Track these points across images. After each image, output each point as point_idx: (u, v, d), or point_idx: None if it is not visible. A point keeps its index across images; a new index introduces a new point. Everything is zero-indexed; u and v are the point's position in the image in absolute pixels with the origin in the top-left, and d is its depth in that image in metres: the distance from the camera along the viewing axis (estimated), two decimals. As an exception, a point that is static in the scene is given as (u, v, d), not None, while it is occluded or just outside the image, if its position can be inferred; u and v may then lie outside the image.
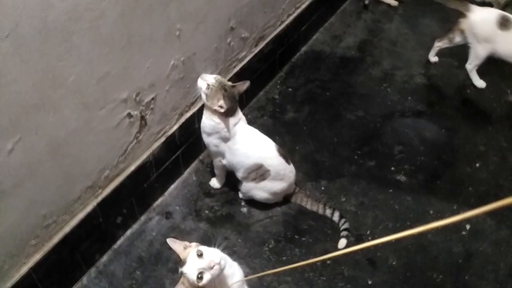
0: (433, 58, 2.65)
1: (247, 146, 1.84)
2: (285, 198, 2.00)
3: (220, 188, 2.07)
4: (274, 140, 1.91)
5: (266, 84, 2.55)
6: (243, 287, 1.45)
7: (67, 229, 1.64)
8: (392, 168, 2.15)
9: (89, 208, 1.70)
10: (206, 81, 1.73)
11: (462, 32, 2.40)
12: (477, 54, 2.38)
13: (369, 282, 1.76)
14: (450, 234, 1.89)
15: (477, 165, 2.16)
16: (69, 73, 1.41)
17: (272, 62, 2.54)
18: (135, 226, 1.94)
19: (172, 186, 2.08)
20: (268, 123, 2.36)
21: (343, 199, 2.03)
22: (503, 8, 2.71)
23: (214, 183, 2.07)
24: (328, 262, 1.81)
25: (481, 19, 2.33)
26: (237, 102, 1.80)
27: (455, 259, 1.83)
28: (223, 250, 1.33)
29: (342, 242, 1.84)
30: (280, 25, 2.49)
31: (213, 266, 1.24)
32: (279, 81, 2.59)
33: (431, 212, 1.96)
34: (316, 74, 2.64)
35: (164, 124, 1.93)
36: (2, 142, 1.30)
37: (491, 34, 2.29)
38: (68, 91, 1.43)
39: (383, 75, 2.63)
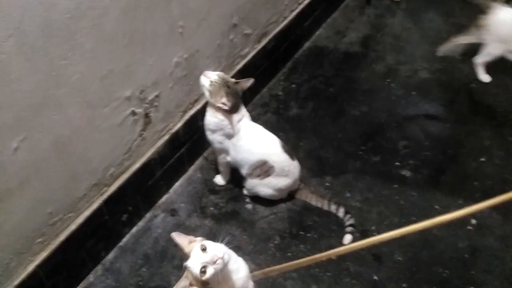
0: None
1: (251, 142, 1.84)
2: (290, 195, 2.00)
3: (225, 185, 2.07)
4: (278, 136, 1.91)
5: (269, 80, 2.55)
6: (248, 283, 1.45)
7: (73, 226, 1.65)
8: (397, 163, 2.14)
9: (94, 206, 1.70)
10: (209, 78, 1.73)
11: (479, 28, 2.35)
12: (490, 52, 2.35)
13: (375, 278, 1.76)
14: (455, 229, 1.88)
15: (482, 159, 2.15)
16: (73, 71, 1.41)
17: (275, 59, 2.54)
18: (141, 224, 1.95)
19: (177, 183, 2.09)
20: (272, 119, 2.35)
21: (348, 195, 2.02)
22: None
23: (219, 180, 2.08)
24: (334, 257, 1.81)
25: (503, 19, 2.28)
26: (241, 99, 1.80)
27: (461, 254, 1.82)
28: (228, 246, 1.34)
29: (348, 238, 1.84)
30: (283, 21, 2.49)
31: (216, 260, 1.24)
32: (282, 78, 2.59)
33: (436, 207, 1.96)
34: (319, 70, 2.63)
35: (168, 121, 1.93)
36: (7, 141, 1.31)
37: (510, 36, 2.27)
38: (72, 89, 1.43)
39: (387, 70, 2.62)
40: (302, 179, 2.01)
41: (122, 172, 1.80)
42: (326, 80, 2.57)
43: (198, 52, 1.93)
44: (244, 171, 1.91)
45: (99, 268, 1.81)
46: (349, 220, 1.88)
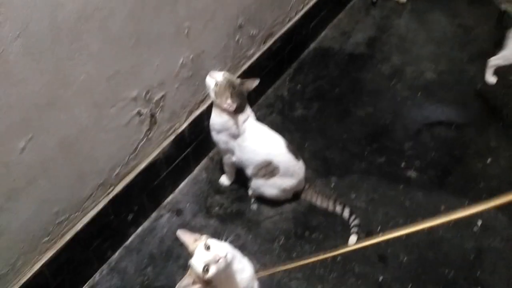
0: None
1: (257, 143, 1.85)
2: (295, 195, 2.00)
3: (230, 185, 2.08)
4: (283, 137, 1.91)
5: (274, 81, 2.55)
6: (253, 283, 1.45)
7: (79, 226, 1.65)
8: (403, 164, 2.14)
9: (100, 206, 1.71)
10: (215, 78, 1.74)
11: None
12: (508, 57, 2.33)
13: (380, 279, 1.76)
14: (461, 230, 1.88)
15: (489, 160, 2.14)
16: (80, 72, 1.42)
17: (281, 59, 2.54)
18: (146, 224, 1.96)
19: (183, 184, 2.09)
20: (277, 120, 2.36)
21: (353, 196, 2.02)
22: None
23: (224, 180, 2.08)
24: (339, 258, 1.81)
25: None
26: (246, 99, 1.81)
27: (466, 255, 1.82)
28: (232, 245, 1.34)
29: (353, 239, 1.84)
30: (288, 22, 2.49)
31: (219, 259, 1.25)
32: (287, 78, 2.59)
33: (442, 208, 1.95)
34: (325, 70, 2.63)
35: (174, 122, 1.94)
36: (14, 141, 1.32)
37: None
38: (79, 89, 1.44)
39: (393, 71, 2.62)
40: (307, 179, 2.01)
41: (128, 172, 1.81)
42: (332, 81, 2.57)
43: (204, 53, 1.93)
44: (249, 171, 1.92)
45: (104, 268, 1.82)
46: (354, 221, 1.88)
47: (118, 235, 1.87)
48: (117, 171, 1.74)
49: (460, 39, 2.79)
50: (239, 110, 1.78)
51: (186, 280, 1.28)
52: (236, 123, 1.80)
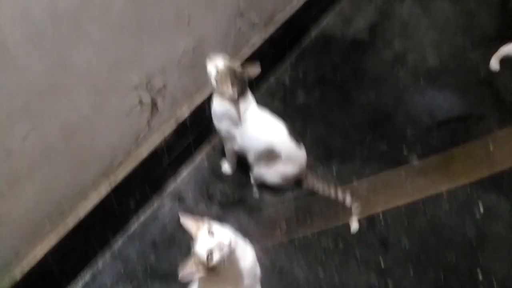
0: None
1: (258, 130, 1.84)
2: (297, 182, 2.00)
3: (232, 173, 2.08)
4: (285, 124, 1.90)
5: (276, 68, 2.54)
6: (255, 268, 1.46)
7: (81, 214, 1.66)
8: (405, 150, 2.13)
9: (103, 194, 1.72)
10: (215, 62, 1.72)
11: None
12: None
13: (382, 264, 1.77)
14: (463, 216, 1.88)
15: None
16: (80, 59, 1.42)
17: (282, 47, 2.53)
18: (148, 211, 1.96)
19: (185, 172, 2.10)
20: (279, 107, 2.35)
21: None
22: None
23: (226, 168, 2.08)
24: (341, 244, 1.81)
25: None
26: (247, 86, 1.80)
27: (468, 241, 1.82)
28: (234, 231, 1.34)
29: (354, 226, 1.84)
30: (290, 9, 2.47)
31: (223, 247, 1.25)
32: (289, 65, 2.58)
33: (444, 194, 1.95)
34: (326, 57, 2.62)
35: (175, 110, 1.94)
36: (16, 129, 1.32)
37: None
38: (80, 77, 1.44)
39: (395, 58, 2.60)
40: (309, 166, 2.00)
41: (130, 160, 1.81)
42: (334, 68, 2.56)
43: (205, 41, 1.92)
44: (251, 159, 1.92)
45: (107, 255, 1.83)
46: (356, 208, 1.88)
47: (121, 223, 1.88)
48: (119, 159, 1.75)
49: (463, 25, 2.77)
50: (240, 97, 1.77)
51: (189, 267, 1.28)
52: (238, 110, 1.79)
